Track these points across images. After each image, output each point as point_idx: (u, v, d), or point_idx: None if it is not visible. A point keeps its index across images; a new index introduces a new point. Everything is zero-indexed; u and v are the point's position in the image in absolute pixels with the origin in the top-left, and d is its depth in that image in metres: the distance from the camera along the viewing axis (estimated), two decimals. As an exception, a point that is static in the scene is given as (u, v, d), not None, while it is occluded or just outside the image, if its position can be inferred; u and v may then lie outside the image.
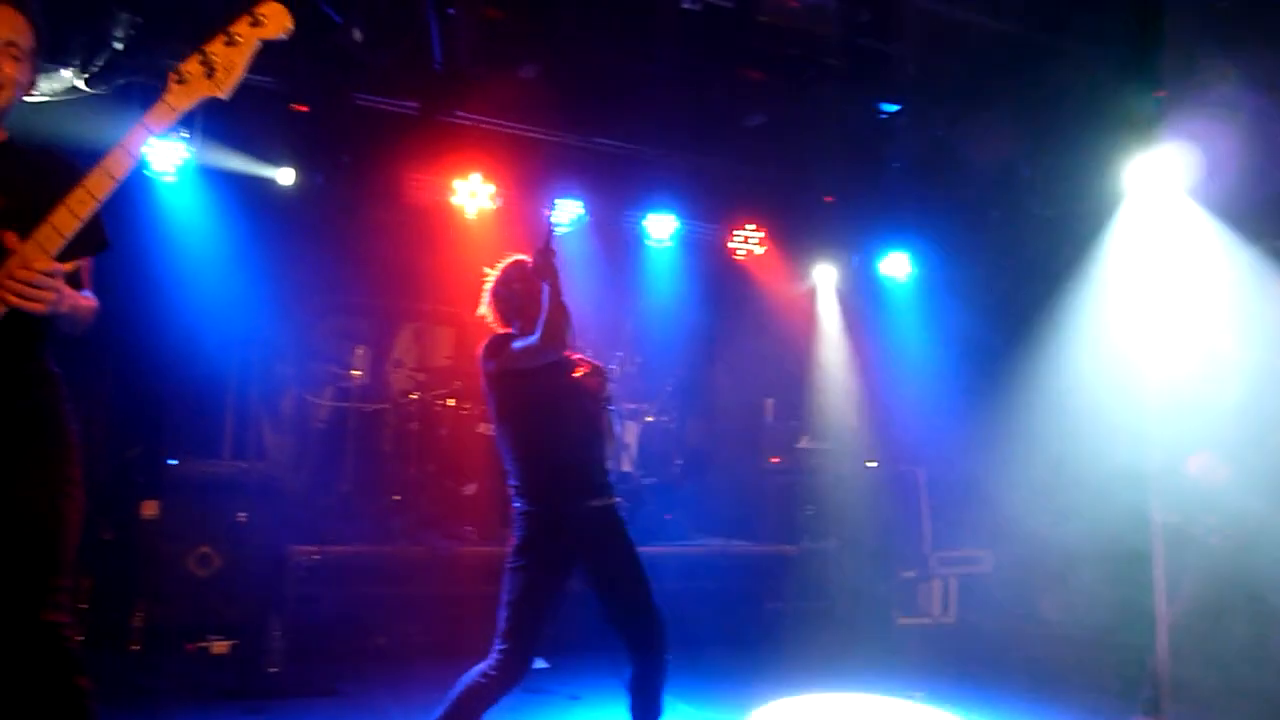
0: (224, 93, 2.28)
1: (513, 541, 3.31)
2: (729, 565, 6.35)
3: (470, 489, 6.11)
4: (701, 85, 5.82)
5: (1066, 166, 6.19)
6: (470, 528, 5.88)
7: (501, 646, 3.19)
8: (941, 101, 6.12)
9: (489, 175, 6.32)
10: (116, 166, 2.19)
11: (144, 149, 2.24)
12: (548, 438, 3.34)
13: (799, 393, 7.98)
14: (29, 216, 2.19)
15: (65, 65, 4.64)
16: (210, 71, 2.25)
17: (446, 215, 6.48)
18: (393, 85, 5.54)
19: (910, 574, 6.64)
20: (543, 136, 6.33)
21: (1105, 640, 5.83)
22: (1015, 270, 7.02)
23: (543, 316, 3.20)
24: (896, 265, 7.52)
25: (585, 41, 5.35)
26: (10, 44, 2.30)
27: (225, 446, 6.54)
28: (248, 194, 6.03)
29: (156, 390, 6.13)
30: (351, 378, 6.54)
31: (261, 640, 4.95)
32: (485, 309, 3.55)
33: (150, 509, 5.24)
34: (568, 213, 6.55)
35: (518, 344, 3.30)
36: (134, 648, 4.97)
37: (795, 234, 7.49)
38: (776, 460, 7.03)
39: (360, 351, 6.61)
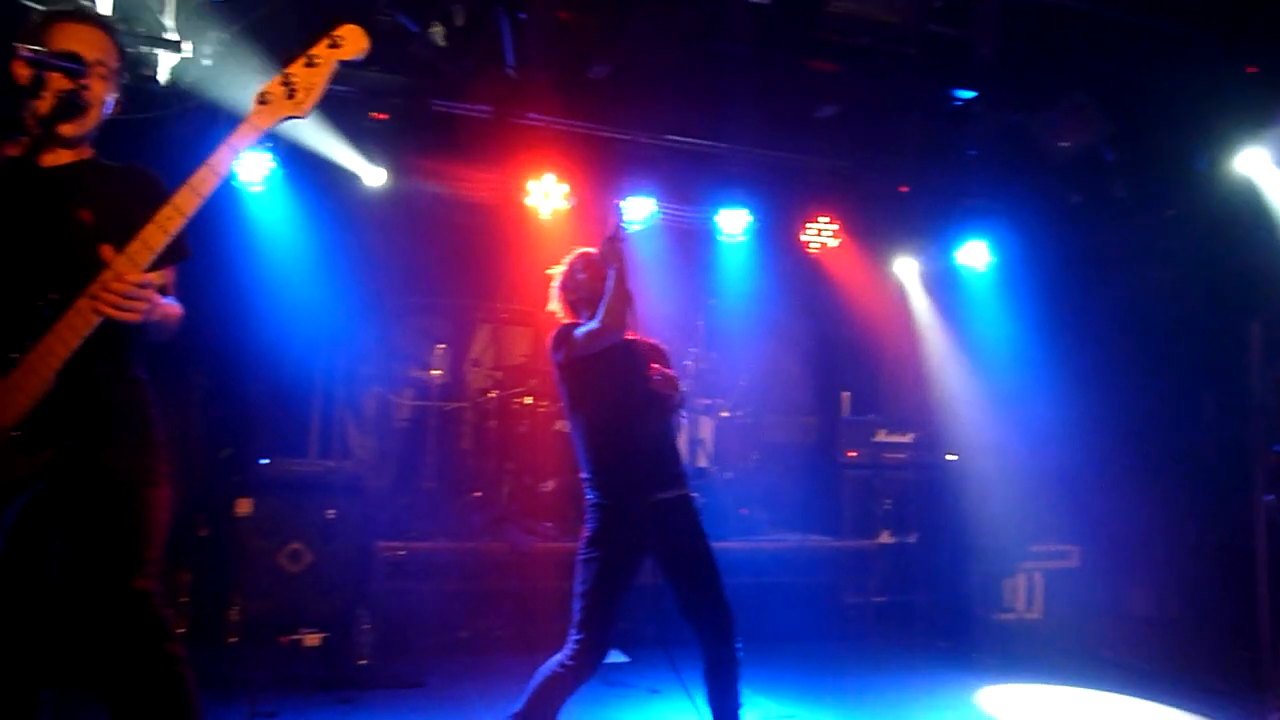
0: (304, 112, 2.38)
1: (585, 533, 3.37)
2: (807, 560, 6.32)
3: (549, 485, 6.20)
4: (772, 78, 5.78)
5: (1151, 150, 6.01)
6: (549, 523, 5.97)
7: (577, 637, 3.26)
8: (1019, 86, 5.98)
9: (562, 175, 6.39)
10: (203, 184, 2.30)
11: (229, 167, 2.34)
12: (618, 428, 3.38)
13: (875, 385, 7.89)
14: (115, 231, 2.32)
15: (156, 81, 4.83)
16: (291, 92, 2.35)
17: (521, 216, 6.58)
18: (467, 90, 5.63)
19: (994, 569, 6.51)
20: (614, 135, 6.37)
21: (1203, 635, 5.66)
22: (1097, 257, 6.84)
23: (605, 299, 3.27)
24: (974, 254, 7.37)
25: (655, 39, 5.36)
26: (99, 63, 2.42)
27: (311, 446, 6.75)
28: (330, 201, 6.21)
29: (246, 393, 6.36)
30: (431, 377, 6.68)
31: (351, 633, 5.11)
32: (554, 302, 3.61)
33: (244, 507, 5.43)
34: (640, 210, 6.58)
35: (580, 329, 3.36)
36: (231, 640, 5.17)
37: (869, 225, 7.39)
38: (853, 454, 6.96)
39: (440, 351, 6.75)
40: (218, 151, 2.33)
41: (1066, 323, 6.84)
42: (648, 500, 3.35)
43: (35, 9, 2.19)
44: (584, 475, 3.45)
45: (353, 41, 2.40)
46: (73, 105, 2.33)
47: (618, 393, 3.40)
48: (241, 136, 2.36)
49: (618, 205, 3.52)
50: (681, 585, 3.37)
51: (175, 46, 4.65)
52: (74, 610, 2.29)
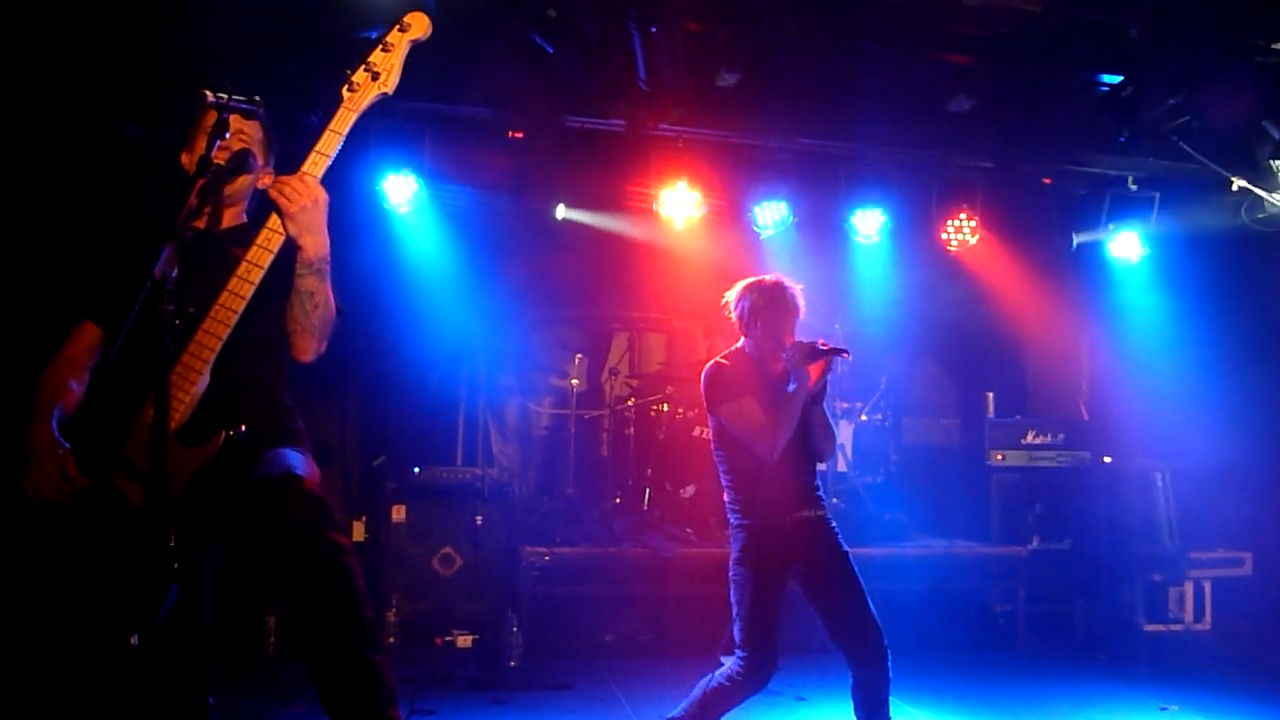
0: (390, 89, 2.65)
1: (732, 554, 3.44)
2: (954, 567, 6.15)
3: (688, 491, 6.24)
4: (905, 76, 5.68)
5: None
6: (689, 529, 6.01)
7: (742, 654, 3.32)
8: (1172, 67, 5.68)
9: (694, 183, 6.44)
10: (313, 168, 2.55)
11: (334, 150, 2.58)
12: (759, 457, 3.39)
13: (1023, 385, 7.62)
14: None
15: (313, 114, 5.13)
16: (375, 76, 2.62)
17: (655, 226, 6.66)
18: (600, 105, 5.75)
19: (1156, 577, 6.18)
20: (745, 141, 6.38)
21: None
22: (1263, 242, 6.42)
23: (777, 419, 3.30)
24: (1127, 246, 7.02)
25: (784, 43, 5.36)
26: (239, 131, 2.69)
27: (457, 454, 7.01)
28: (472, 218, 6.45)
29: (396, 404, 6.66)
30: (570, 386, 6.84)
31: (500, 635, 5.28)
32: (730, 303, 3.62)
33: (399, 513, 5.69)
34: (773, 214, 6.56)
35: (737, 415, 3.38)
36: (390, 640, 5.43)
37: (1012, 220, 7.14)
38: (1001, 457, 6.73)
39: (578, 360, 6.90)
40: (322, 137, 2.58)
41: (1230, 314, 6.45)
42: (789, 519, 3.40)
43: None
44: (726, 498, 3.52)
45: (418, 24, 2.68)
46: (242, 163, 2.58)
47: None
48: (340, 120, 2.60)
49: (826, 344, 3.40)
50: (827, 606, 3.38)
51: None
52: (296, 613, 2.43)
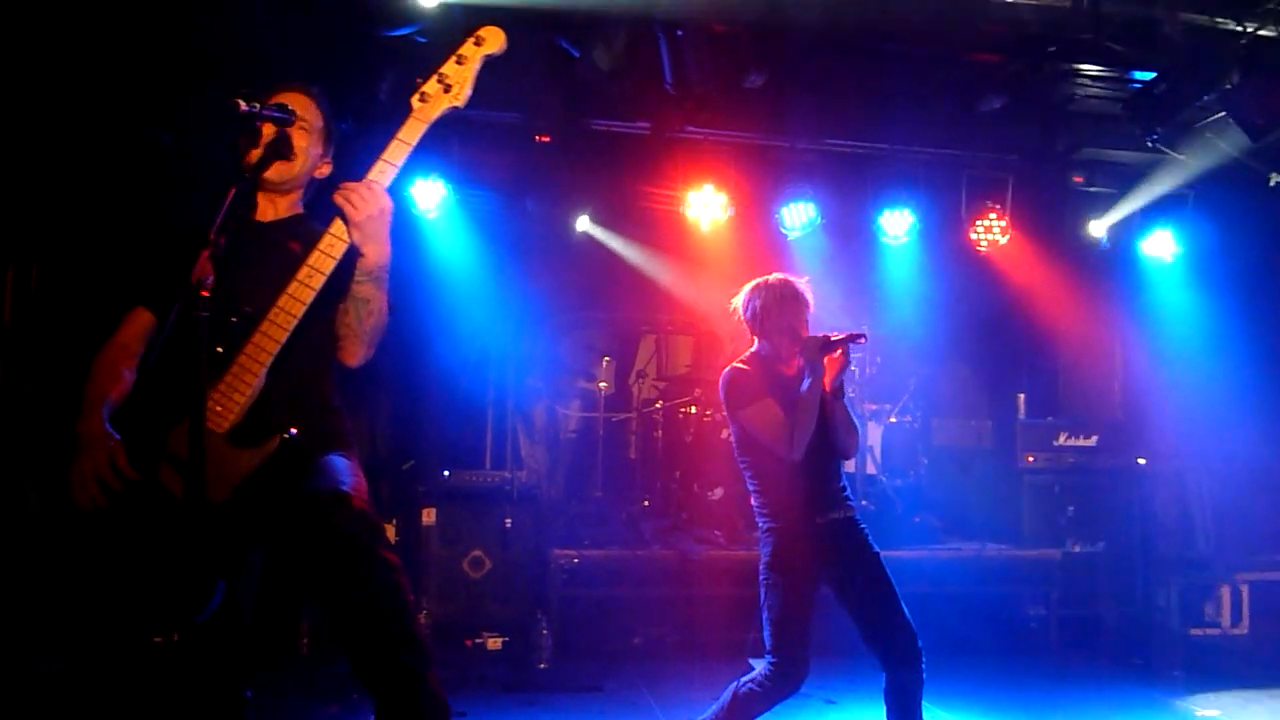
0: (461, 102, 2.63)
1: (762, 559, 3.42)
2: (986, 569, 6.10)
3: (717, 494, 6.24)
4: (933, 75, 5.66)
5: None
6: (718, 532, 6.01)
7: (772, 660, 3.29)
8: (1205, 63, 5.60)
9: (720, 185, 6.43)
10: (381, 176, 2.55)
11: (402, 160, 2.58)
12: (783, 460, 3.36)
13: (1054, 386, 7.54)
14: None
15: (343, 122, 5.18)
16: (447, 88, 2.61)
17: (681, 228, 6.66)
18: (626, 108, 5.77)
19: (1193, 580, 6.09)
20: (772, 143, 6.37)
21: None
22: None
23: (796, 419, 3.27)
24: (1160, 245, 6.94)
25: (810, 44, 5.34)
26: (301, 118, 2.67)
27: (486, 458, 7.04)
28: (499, 222, 6.48)
29: (425, 408, 6.71)
30: (598, 389, 6.85)
31: (530, 637, 5.30)
32: (739, 307, 3.58)
33: (428, 516, 5.73)
34: (800, 216, 6.54)
35: (757, 420, 3.36)
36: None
37: (1042, 219, 7.08)
38: (1032, 459, 6.66)
39: (606, 363, 6.91)
40: (390, 146, 2.57)
41: (1266, 312, 6.35)
42: (817, 522, 3.37)
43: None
44: (754, 502, 3.50)
45: (493, 38, 2.66)
46: (280, 150, 2.57)
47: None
48: (410, 130, 2.59)
49: (847, 337, 3.35)
50: (859, 609, 3.34)
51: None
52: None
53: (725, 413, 3.51)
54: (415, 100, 2.61)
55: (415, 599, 5.45)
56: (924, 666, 3.27)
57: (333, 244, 2.51)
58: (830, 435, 3.41)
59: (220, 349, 2.46)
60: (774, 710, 4.52)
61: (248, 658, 2.66)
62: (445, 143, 5.95)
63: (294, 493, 2.46)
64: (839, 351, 3.32)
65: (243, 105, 2.40)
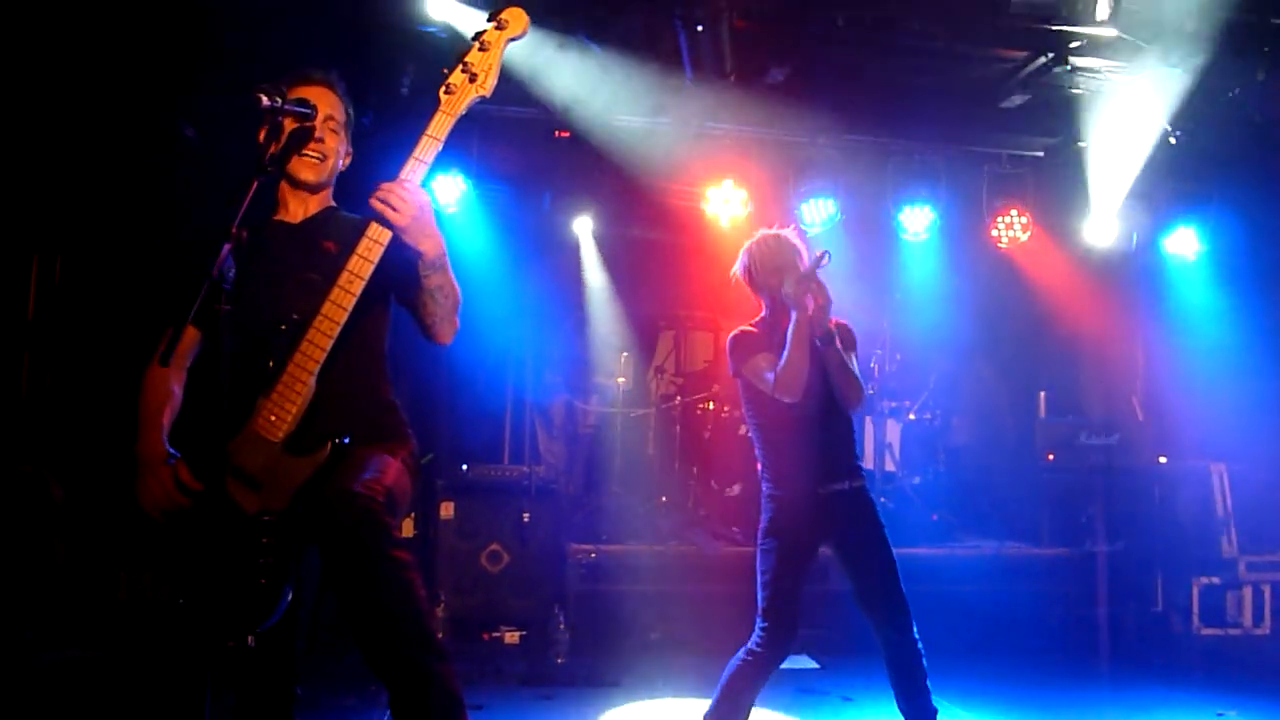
0: (487, 91, 2.58)
1: (761, 523, 3.43)
2: (1005, 569, 6.07)
3: (735, 490, 6.24)
4: (955, 71, 5.62)
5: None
6: (736, 528, 6.00)
7: (762, 624, 3.34)
8: (1232, 58, 5.54)
9: (740, 181, 6.42)
10: (414, 175, 2.52)
11: (432, 156, 2.55)
12: (793, 422, 3.37)
13: (1075, 385, 7.48)
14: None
15: (364, 115, 5.21)
16: (473, 77, 2.55)
17: (701, 224, 6.65)
18: (646, 103, 5.76)
19: (1214, 580, 6.04)
20: (792, 138, 6.35)
21: None
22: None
23: (784, 355, 3.27)
24: (1184, 242, 6.87)
25: (832, 40, 5.32)
26: (329, 118, 2.68)
27: (504, 452, 7.06)
28: (519, 217, 6.49)
29: (445, 403, 6.73)
30: (616, 384, 6.86)
31: (548, 632, 5.32)
32: (738, 271, 3.60)
33: (447, 510, 5.75)
34: (821, 212, 6.52)
35: (757, 369, 3.36)
36: (439, 636, 5.48)
37: (1064, 216, 7.03)
38: (1053, 457, 6.61)
39: (624, 359, 6.92)
40: (420, 143, 2.53)
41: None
42: (819, 492, 3.37)
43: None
44: (759, 467, 3.51)
45: (516, 20, 2.59)
46: (303, 138, 2.58)
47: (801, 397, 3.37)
48: (438, 125, 2.55)
49: (821, 253, 3.36)
50: (856, 575, 3.38)
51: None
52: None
53: (731, 374, 3.50)
54: (441, 93, 2.56)
55: (433, 592, 5.52)
56: (916, 633, 3.32)
57: (370, 248, 2.49)
58: (832, 393, 3.38)
59: (271, 363, 2.47)
60: (792, 707, 4.54)
61: (300, 656, 2.67)
62: (465, 138, 5.96)
63: (325, 488, 2.46)
64: (815, 285, 3.28)
65: (264, 100, 2.40)
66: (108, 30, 4.90)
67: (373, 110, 5.16)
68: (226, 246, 2.27)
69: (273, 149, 2.50)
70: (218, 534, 2.41)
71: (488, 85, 2.58)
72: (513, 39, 2.61)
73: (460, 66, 2.57)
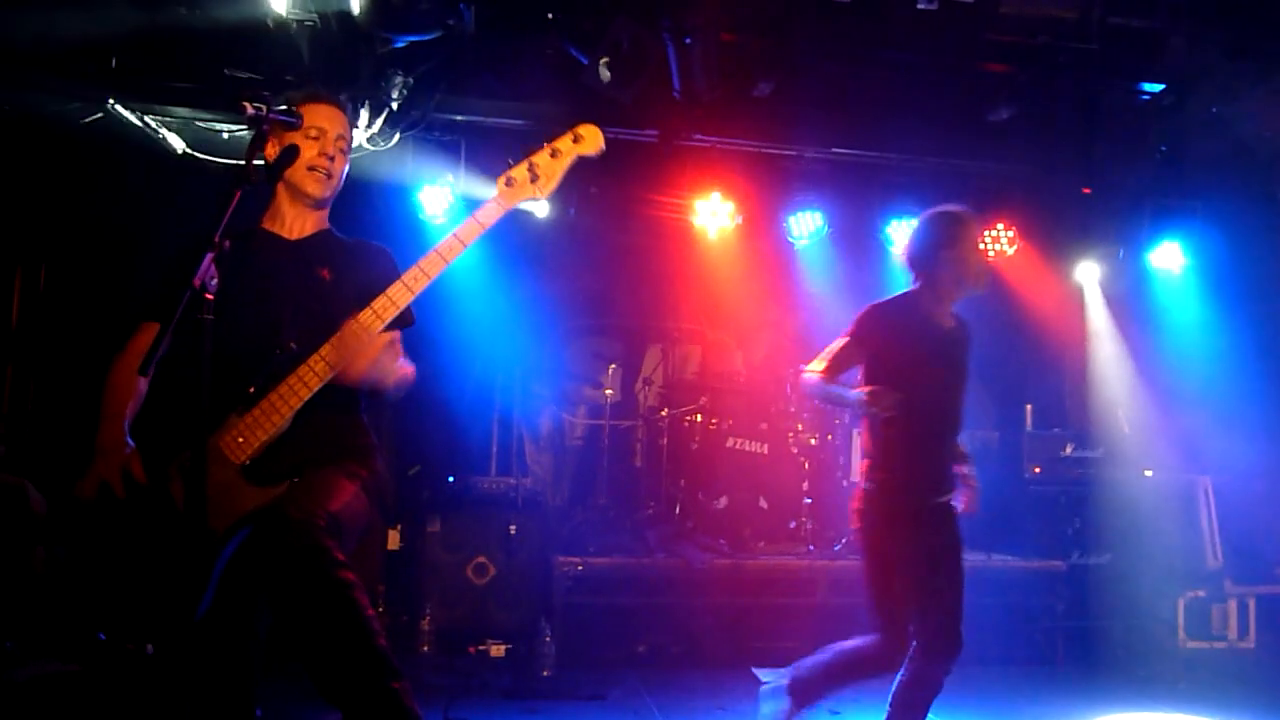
0: (543, 195, 2.64)
1: (863, 525, 3.31)
2: (991, 580, 6.06)
3: (722, 502, 6.23)
4: (942, 85, 5.65)
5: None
6: (723, 540, 5.99)
7: (877, 633, 3.25)
8: (1212, 75, 5.60)
9: (728, 194, 6.43)
10: (449, 252, 2.55)
11: (472, 240, 2.58)
12: (914, 425, 3.24)
13: (1061, 398, 7.50)
14: (350, 291, 2.59)
15: (353, 127, 5.20)
16: (534, 178, 2.62)
17: (689, 236, 6.66)
18: (633, 116, 5.77)
19: (1199, 593, 6.05)
20: (780, 151, 6.37)
21: None
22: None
23: (833, 396, 3.28)
24: (1168, 256, 6.92)
25: (819, 53, 5.35)
26: (341, 137, 2.70)
27: (491, 464, 7.03)
28: (506, 229, 6.47)
29: (431, 414, 6.70)
30: (604, 396, 6.84)
31: (534, 645, 5.29)
32: (907, 242, 3.49)
33: (433, 522, 5.72)
34: (807, 225, 6.54)
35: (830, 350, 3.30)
36: (424, 649, 5.45)
37: (1050, 230, 7.06)
38: (1039, 470, 6.63)
39: (612, 370, 6.91)
40: (464, 224, 2.59)
41: (1276, 326, 6.32)
42: (930, 501, 3.29)
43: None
44: (865, 464, 3.37)
45: (591, 139, 2.67)
46: (290, 155, 2.58)
47: (923, 390, 3.26)
48: (487, 213, 2.61)
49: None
50: (931, 594, 3.25)
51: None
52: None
53: (850, 328, 3.39)
54: (501, 183, 2.62)
55: (418, 605, 5.48)
56: (947, 674, 3.27)
57: (385, 306, 2.52)
58: (960, 412, 3.34)
59: (253, 388, 2.48)
60: (776, 720, 4.50)
61: (258, 679, 2.64)
62: (454, 149, 5.96)
63: (271, 510, 2.45)
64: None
65: (249, 108, 2.40)
66: (94, 39, 4.88)
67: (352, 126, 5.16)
68: (209, 256, 2.26)
69: (258, 158, 2.49)
70: (147, 535, 2.41)
71: (546, 190, 2.64)
72: (583, 155, 2.66)
73: (527, 165, 2.63)
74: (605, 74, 4.73)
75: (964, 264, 3.32)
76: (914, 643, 3.25)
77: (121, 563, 2.43)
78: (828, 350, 3.35)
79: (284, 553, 2.33)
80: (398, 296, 2.52)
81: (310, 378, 2.46)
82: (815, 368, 3.32)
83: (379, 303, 2.50)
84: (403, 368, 2.64)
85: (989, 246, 7.03)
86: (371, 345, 2.48)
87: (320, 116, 2.65)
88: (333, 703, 2.37)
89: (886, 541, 3.23)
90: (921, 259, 3.36)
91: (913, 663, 3.25)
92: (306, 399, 2.48)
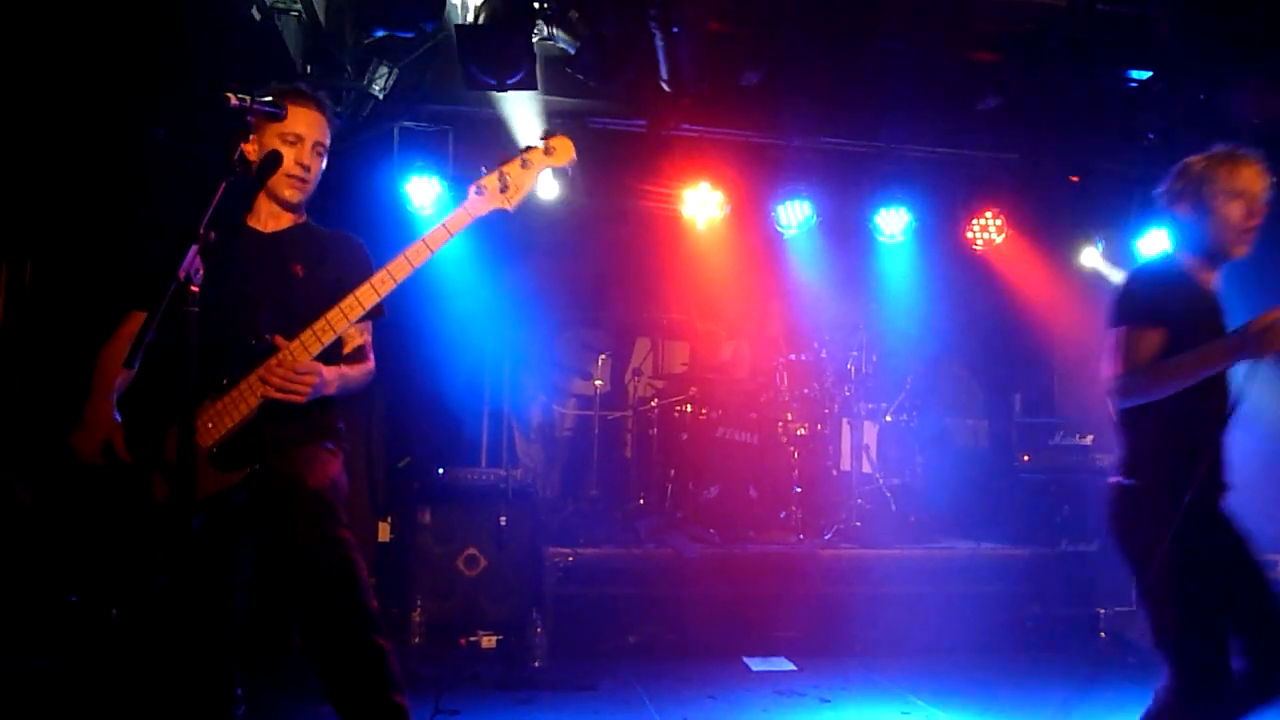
0: (511, 207, 2.68)
1: (1140, 536, 2.85)
2: (981, 568, 6.09)
3: (712, 492, 6.23)
4: (930, 73, 5.65)
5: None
6: (713, 530, 6.00)
7: (1177, 675, 2.70)
8: (1201, 62, 5.60)
9: (716, 183, 6.43)
10: (416, 257, 2.60)
11: (440, 246, 2.62)
12: (1203, 411, 2.83)
13: (1050, 386, 7.54)
14: (323, 286, 2.65)
15: (339, 116, 5.17)
16: (504, 188, 2.64)
17: (677, 226, 6.65)
18: (621, 105, 5.76)
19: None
20: (768, 141, 6.37)
21: None
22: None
23: (1185, 361, 2.73)
24: (1157, 243, 6.94)
25: (807, 43, 5.34)
26: (318, 143, 2.71)
27: (481, 456, 7.03)
28: (495, 220, 6.45)
29: (421, 406, 6.70)
30: (594, 387, 6.84)
31: (525, 636, 5.29)
32: (1168, 190, 3.04)
33: (424, 513, 5.71)
34: (796, 214, 6.54)
35: (1126, 344, 2.82)
36: (415, 641, 5.45)
37: (1038, 218, 7.08)
38: (1028, 458, 6.66)
39: (602, 361, 6.90)
40: (433, 231, 2.62)
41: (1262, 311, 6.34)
42: (1218, 497, 2.88)
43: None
44: (1128, 455, 2.90)
45: (563, 151, 2.69)
46: (273, 163, 2.59)
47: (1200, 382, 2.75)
48: (456, 220, 2.64)
49: None
50: (1244, 609, 2.75)
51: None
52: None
53: (1109, 321, 2.90)
54: (471, 190, 2.65)
55: (409, 596, 5.48)
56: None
57: (354, 306, 2.57)
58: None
59: (226, 379, 2.54)
60: (768, 708, 4.54)
61: (237, 654, 2.69)
62: (441, 140, 5.94)
63: (258, 487, 2.55)
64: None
65: (232, 100, 2.40)
66: (81, 31, 4.84)
67: (344, 113, 5.13)
68: (194, 248, 2.25)
69: (241, 149, 2.50)
70: (117, 506, 2.51)
71: (514, 201, 2.67)
72: (554, 167, 2.71)
73: (498, 174, 2.65)
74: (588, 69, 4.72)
75: (1239, 200, 2.93)
76: (1254, 658, 2.68)
77: (92, 527, 2.54)
78: (1127, 345, 2.84)
79: (303, 513, 2.47)
80: (364, 298, 2.58)
81: (250, 398, 2.53)
82: (1138, 364, 2.78)
83: (346, 302, 2.57)
84: (346, 376, 2.69)
85: (977, 236, 7.04)
86: (302, 374, 2.54)
87: (299, 121, 2.68)
88: (329, 658, 2.48)
89: (1194, 554, 2.72)
90: (1187, 205, 2.99)
91: (1253, 683, 2.66)
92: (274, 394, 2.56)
